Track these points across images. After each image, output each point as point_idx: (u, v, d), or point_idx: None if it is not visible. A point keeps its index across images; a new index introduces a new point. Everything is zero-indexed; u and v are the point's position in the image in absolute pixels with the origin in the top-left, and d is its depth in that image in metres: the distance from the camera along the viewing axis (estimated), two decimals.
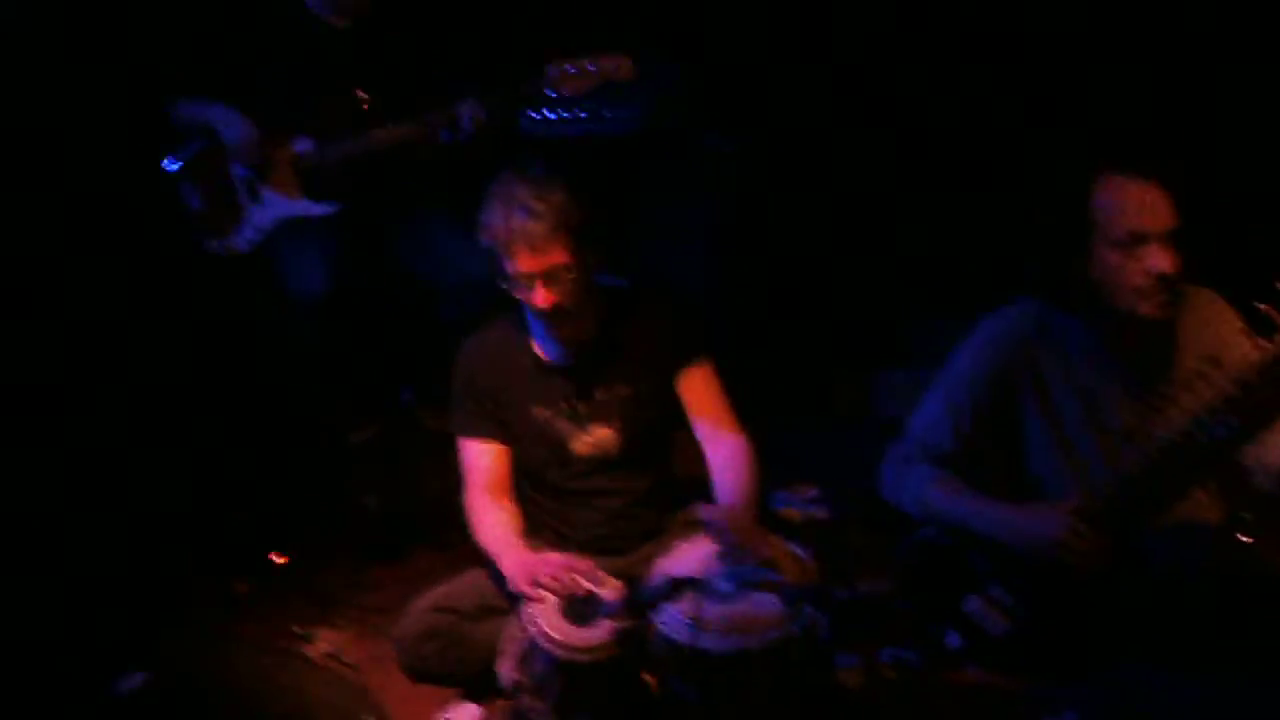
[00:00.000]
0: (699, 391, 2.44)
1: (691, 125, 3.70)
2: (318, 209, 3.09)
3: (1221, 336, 2.05)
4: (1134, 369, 2.11)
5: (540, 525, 2.48)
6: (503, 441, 2.47)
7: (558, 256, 2.25)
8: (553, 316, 2.31)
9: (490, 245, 2.29)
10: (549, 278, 2.26)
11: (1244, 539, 2.36)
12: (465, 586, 2.45)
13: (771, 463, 3.43)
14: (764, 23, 3.65)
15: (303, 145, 3.07)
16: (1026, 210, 2.19)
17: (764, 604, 2.05)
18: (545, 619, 2.11)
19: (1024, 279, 2.22)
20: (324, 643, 2.85)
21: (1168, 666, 2.02)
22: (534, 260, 2.25)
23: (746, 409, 2.54)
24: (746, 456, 2.42)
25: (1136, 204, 1.97)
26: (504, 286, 2.33)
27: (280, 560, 3.19)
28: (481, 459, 2.47)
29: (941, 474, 2.19)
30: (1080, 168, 2.07)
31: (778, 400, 3.64)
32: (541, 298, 2.27)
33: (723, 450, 2.41)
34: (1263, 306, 1.77)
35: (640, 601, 2.06)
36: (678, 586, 2.02)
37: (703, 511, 2.20)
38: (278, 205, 3.11)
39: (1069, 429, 2.14)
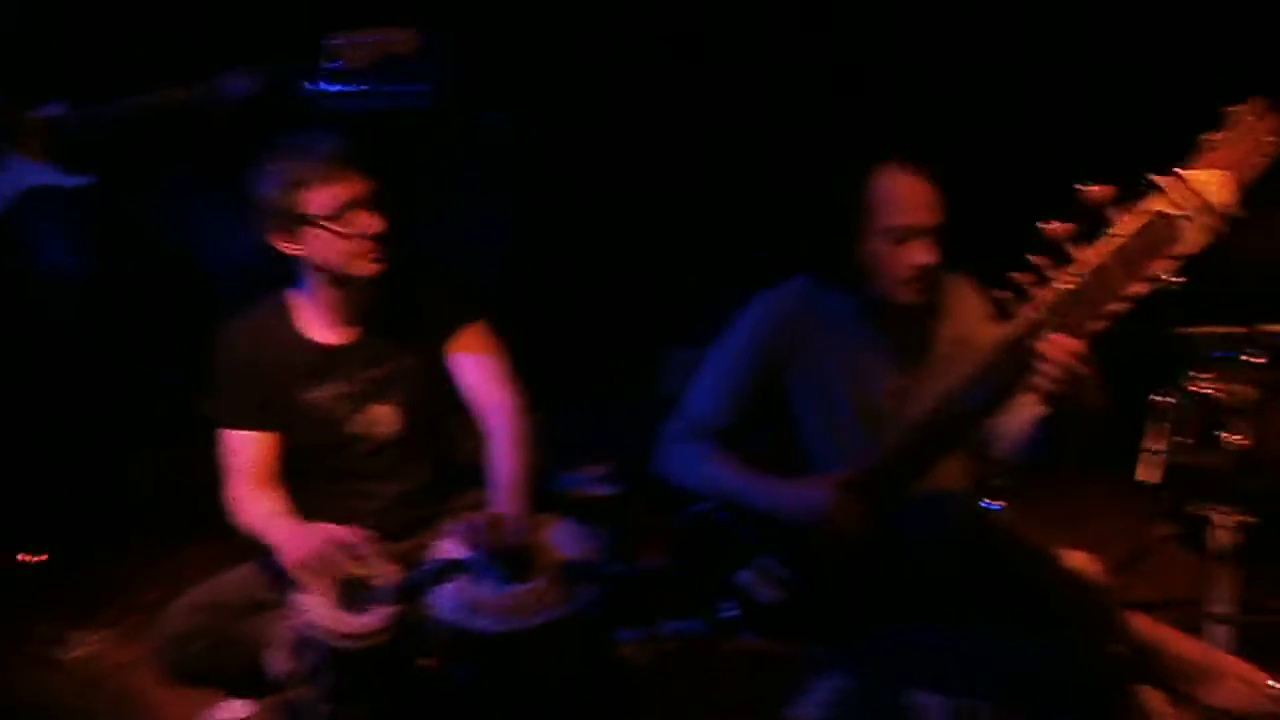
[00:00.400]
0: (470, 356, 2.40)
1: (475, 103, 3.64)
2: (69, 180, 2.86)
3: (970, 320, 2.21)
4: (895, 348, 2.23)
5: (314, 517, 2.38)
6: (270, 430, 2.37)
7: (372, 185, 2.23)
8: (376, 245, 2.23)
9: (291, 184, 2.20)
10: (372, 202, 2.21)
11: (990, 503, 2.55)
12: (232, 582, 2.33)
13: (561, 442, 3.46)
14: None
15: (52, 110, 2.84)
16: (807, 194, 2.28)
17: (540, 584, 2.05)
18: (316, 606, 2.04)
19: (800, 258, 2.32)
20: (81, 646, 2.66)
21: (929, 626, 2.15)
22: (358, 184, 2.21)
23: (534, 388, 2.52)
24: (519, 421, 2.37)
25: (909, 200, 2.10)
26: (293, 243, 2.24)
27: (33, 560, 2.96)
28: (247, 448, 2.35)
29: (714, 450, 2.25)
30: (859, 157, 2.17)
31: (567, 379, 3.66)
32: (374, 223, 2.21)
33: (495, 415, 2.37)
34: (1003, 294, 1.90)
35: (415, 585, 2.02)
36: (452, 569, 1.99)
37: (454, 530, 2.16)
38: (23, 173, 2.87)
39: (835, 404, 2.24)
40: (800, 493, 2.12)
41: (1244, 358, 2.65)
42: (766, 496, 2.16)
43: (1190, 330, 2.75)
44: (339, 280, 2.28)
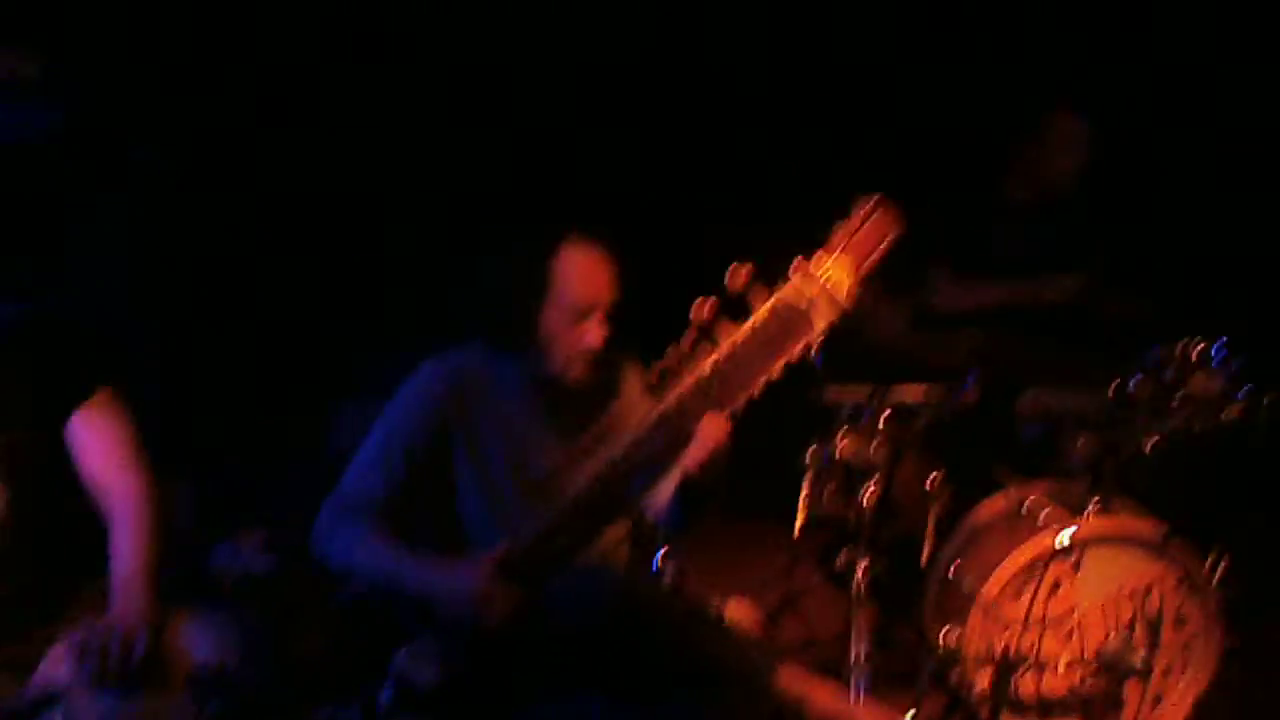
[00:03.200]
0: (90, 431, 2.13)
1: (119, 136, 3.31)
2: None
3: (630, 397, 2.25)
4: (561, 424, 2.23)
5: None
6: None
7: None
8: None
9: None
10: None
11: (661, 568, 2.61)
12: None
13: (224, 504, 3.19)
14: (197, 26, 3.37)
15: None
16: (485, 262, 2.23)
17: (167, 696, 1.85)
18: None
19: (474, 323, 2.26)
20: None
21: (588, 698, 2.14)
22: None
23: (192, 443, 2.29)
24: (144, 506, 2.11)
25: (592, 278, 2.12)
26: None
27: None
28: None
29: (368, 528, 2.14)
30: (545, 229, 2.17)
31: (228, 435, 3.40)
32: None
33: (117, 500, 2.12)
34: (654, 373, 1.94)
35: (15, 712, 1.75)
36: (55, 696, 1.74)
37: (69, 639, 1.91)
38: None
39: (495, 475, 2.21)
40: (449, 577, 2.05)
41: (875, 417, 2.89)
42: (418, 580, 2.08)
43: (831, 393, 2.97)
44: None
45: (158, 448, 2.20)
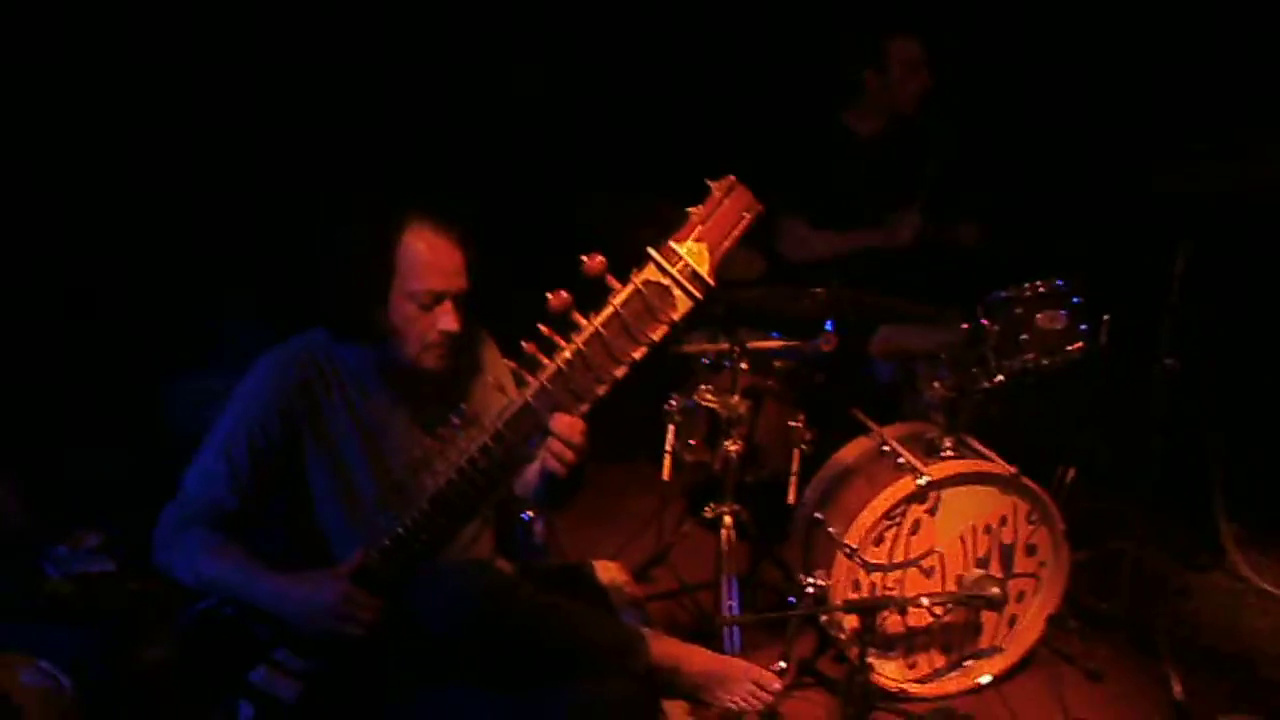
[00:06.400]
0: None
1: None
2: None
3: (493, 374, 2.16)
4: (417, 415, 2.12)
5: None
6: None
7: None
8: None
9: None
10: None
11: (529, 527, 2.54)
12: None
13: (54, 501, 2.94)
14: None
15: None
16: (327, 244, 2.06)
17: None
18: None
19: (316, 308, 2.10)
20: None
21: (457, 692, 2.07)
22: None
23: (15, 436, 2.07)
24: None
25: (439, 265, 1.98)
26: None
27: None
28: None
29: (216, 540, 1.99)
30: (388, 211, 2.00)
31: (57, 420, 3.14)
32: None
33: None
34: (527, 345, 1.84)
35: None
36: None
37: None
38: None
39: (352, 475, 2.08)
40: (307, 590, 1.93)
41: (734, 368, 2.87)
42: (270, 594, 1.95)
43: (690, 345, 2.93)
44: None
45: None
